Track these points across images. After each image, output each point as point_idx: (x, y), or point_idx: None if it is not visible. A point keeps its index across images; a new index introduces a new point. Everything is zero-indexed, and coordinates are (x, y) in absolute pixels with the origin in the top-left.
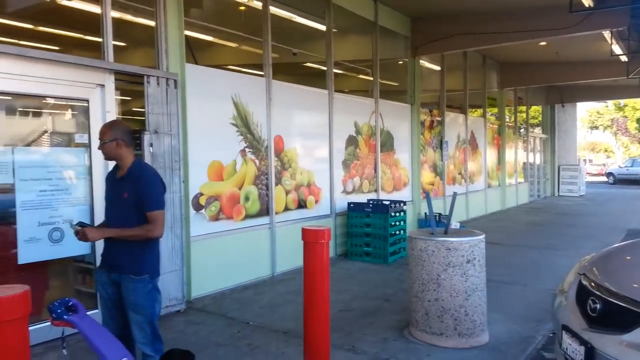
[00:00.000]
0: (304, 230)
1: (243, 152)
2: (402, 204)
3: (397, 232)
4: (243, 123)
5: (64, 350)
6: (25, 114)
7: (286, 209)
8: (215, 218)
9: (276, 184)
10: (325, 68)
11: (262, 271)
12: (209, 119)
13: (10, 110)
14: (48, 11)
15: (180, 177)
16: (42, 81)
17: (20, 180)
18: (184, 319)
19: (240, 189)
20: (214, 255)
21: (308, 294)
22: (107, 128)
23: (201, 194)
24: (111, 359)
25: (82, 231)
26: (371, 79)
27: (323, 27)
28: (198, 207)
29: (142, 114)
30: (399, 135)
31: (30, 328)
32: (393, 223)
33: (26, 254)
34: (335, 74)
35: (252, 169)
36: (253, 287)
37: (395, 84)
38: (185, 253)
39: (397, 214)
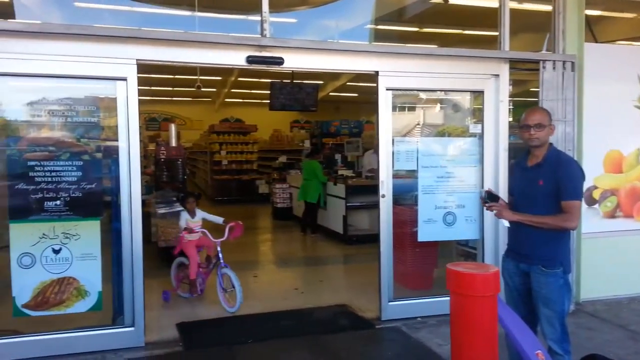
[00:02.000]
0: None
1: None
2: None
3: None
4: None
5: None
6: (426, 107)
7: None
8: (611, 215)
9: None
10: None
11: None
12: (608, 103)
13: (412, 105)
14: (434, 13)
15: None
16: (443, 77)
17: (422, 167)
18: (574, 321)
19: None
20: (607, 256)
21: None
22: (544, 112)
23: (595, 187)
24: (526, 348)
25: (499, 209)
26: None
27: None
28: (591, 201)
29: (519, 103)
30: None
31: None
32: None
33: (424, 233)
34: None
35: None
36: None
37: None
38: (575, 250)
39: None
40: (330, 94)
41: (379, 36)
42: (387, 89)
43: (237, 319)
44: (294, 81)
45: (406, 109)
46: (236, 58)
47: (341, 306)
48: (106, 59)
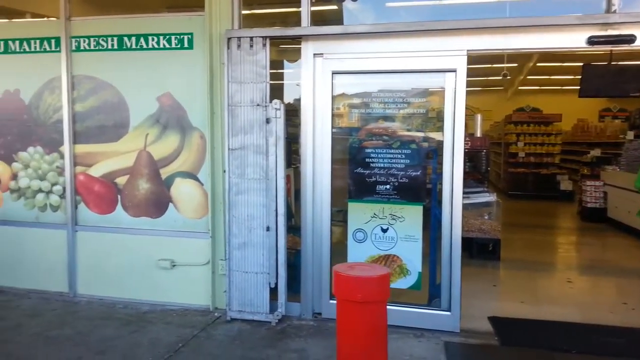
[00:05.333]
0: None
1: None
2: None
3: None
4: None
5: None
6: None
7: None
8: None
9: None
10: None
11: None
12: None
13: None
14: None
15: None
16: None
17: None
18: None
19: None
20: None
21: None
22: None
23: None
24: None
25: None
26: None
27: None
28: None
29: None
30: None
31: None
32: None
33: None
34: None
35: None
36: None
37: None
38: None
39: None
40: None
41: None
42: None
43: (554, 324)
44: (612, 62)
45: None
46: (574, 40)
47: None
48: (439, 52)
